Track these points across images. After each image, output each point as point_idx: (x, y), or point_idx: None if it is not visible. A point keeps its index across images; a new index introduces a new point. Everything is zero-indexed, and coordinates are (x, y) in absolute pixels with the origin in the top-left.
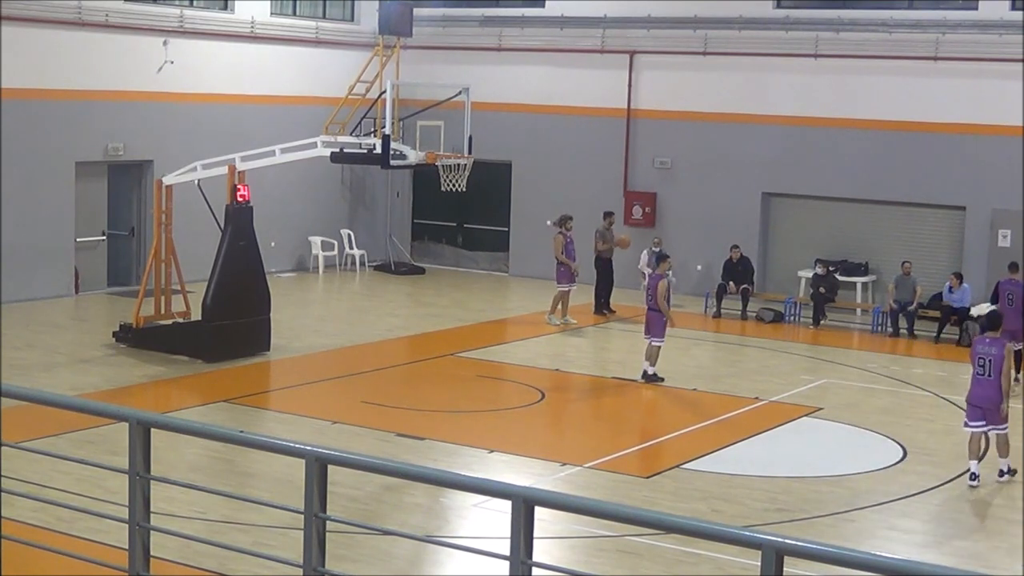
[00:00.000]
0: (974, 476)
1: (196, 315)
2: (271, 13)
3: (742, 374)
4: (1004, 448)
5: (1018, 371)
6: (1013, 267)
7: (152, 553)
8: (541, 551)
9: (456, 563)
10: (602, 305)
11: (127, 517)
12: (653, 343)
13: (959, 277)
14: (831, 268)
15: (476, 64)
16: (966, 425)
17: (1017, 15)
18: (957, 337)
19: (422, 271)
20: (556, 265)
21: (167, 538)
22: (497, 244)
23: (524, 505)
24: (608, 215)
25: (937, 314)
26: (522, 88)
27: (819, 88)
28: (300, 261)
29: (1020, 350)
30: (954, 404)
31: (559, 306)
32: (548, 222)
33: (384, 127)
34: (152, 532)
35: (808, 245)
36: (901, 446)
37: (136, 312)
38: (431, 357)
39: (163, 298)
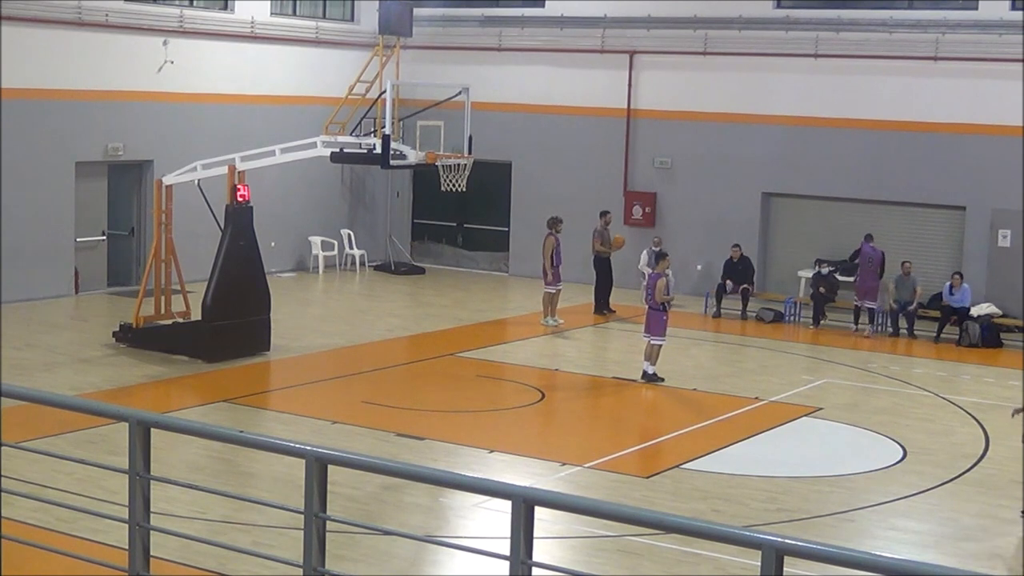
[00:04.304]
0: None
1: (196, 315)
2: (271, 13)
3: (742, 374)
4: None
5: (856, 321)
6: (869, 237)
7: (152, 553)
8: (541, 551)
9: (456, 563)
10: (602, 305)
11: (127, 517)
12: (653, 342)
13: (961, 277)
14: (831, 268)
15: (476, 64)
16: None
17: (1017, 15)
18: (957, 337)
19: (422, 271)
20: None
21: (167, 538)
22: (497, 244)
23: (524, 505)
24: (604, 214)
25: (937, 314)
26: (522, 88)
27: (819, 88)
28: (300, 261)
29: (872, 308)
30: (954, 404)
31: (553, 306)
32: None
33: (384, 127)
34: (152, 532)
35: (808, 245)
36: (901, 446)
37: (136, 312)
38: (431, 357)
39: (163, 298)
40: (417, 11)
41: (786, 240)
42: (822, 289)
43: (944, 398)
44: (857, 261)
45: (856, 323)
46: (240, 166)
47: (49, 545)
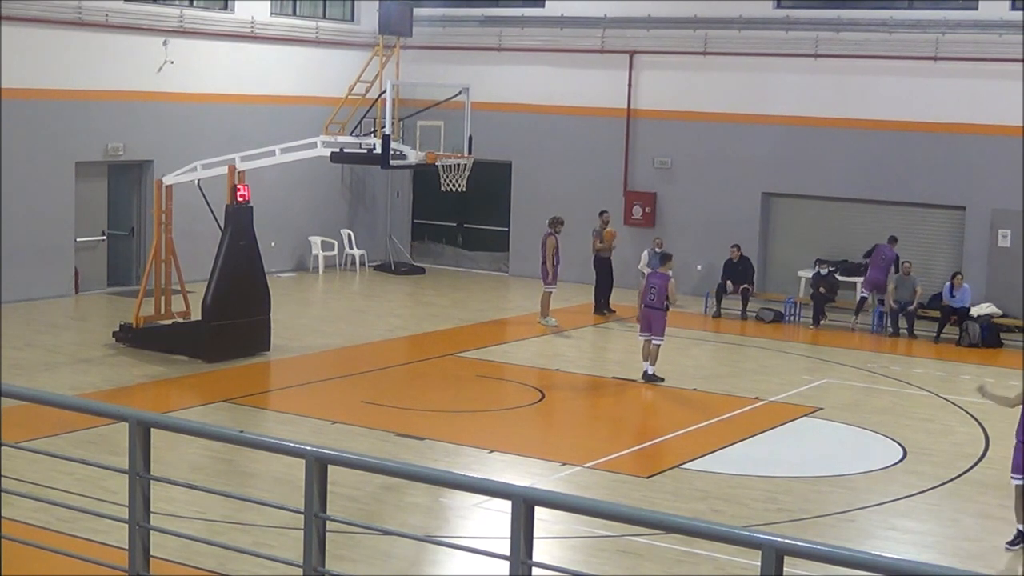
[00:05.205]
0: None
1: (196, 315)
2: (271, 13)
3: (742, 374)
4: None
5: (856, 314)
6: (893, 240)
7: (152, 553)
8: (541, 551)
9: (456, 563)
10: (602, 305)
11: (127, 517)
12: (654, 342)
13: (961, 277)
14: (831, 268)
15: (476, 64)
16: None
17: (1017, 15)
18: (957, 337)
19: (422, 271)
20: (543, 266)
21: (167, 538)
22: (497, 244)
23: (524, 505)
24: (603, 214)
25: (937, 314)
26: (522, 88)
27: (819, 88)
28: (300, 261)
29: (866, 298)
30: (954, 404)
31: (548, 306)
32: None
33: (384, 127)
34: (152, 532)
35: (808, 245)
36: (901, 446)
37: (136, 312)
38: (431, 357)
39: (163, 298)
40: (417, 11)
41: (786, 240)
42: (822, 289)
43: (944, 398)
44: (868, 259)
45: (857, 316)
46: (240, 166)
47: (49, 545)
